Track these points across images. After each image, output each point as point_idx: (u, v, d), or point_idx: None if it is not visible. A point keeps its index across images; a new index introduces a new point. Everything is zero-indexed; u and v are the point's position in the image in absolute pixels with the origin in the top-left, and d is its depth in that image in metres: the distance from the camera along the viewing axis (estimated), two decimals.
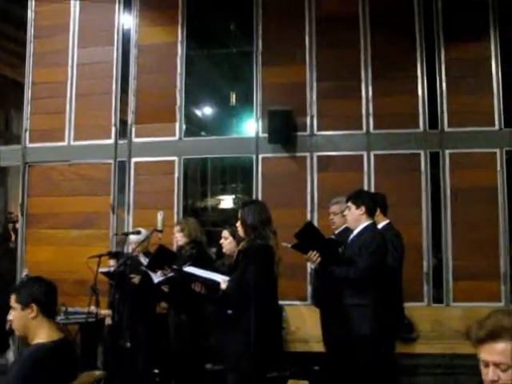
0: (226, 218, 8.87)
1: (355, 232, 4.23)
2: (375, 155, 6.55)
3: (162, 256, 4.77)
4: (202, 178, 8.83)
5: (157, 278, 4.80)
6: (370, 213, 4.20)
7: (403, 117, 6.48)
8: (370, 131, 6.60)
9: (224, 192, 9.37)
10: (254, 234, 3.77)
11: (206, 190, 9.06)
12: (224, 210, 9.30)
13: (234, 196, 9.44)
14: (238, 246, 4.05)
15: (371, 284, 3.93)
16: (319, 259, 3.99)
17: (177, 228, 5.35)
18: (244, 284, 3.57)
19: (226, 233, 4.91)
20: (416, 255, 6.22)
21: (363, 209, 4.18)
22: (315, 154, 6.66)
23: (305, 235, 4.02)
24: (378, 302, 3.94)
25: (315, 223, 6.06)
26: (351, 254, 4.08)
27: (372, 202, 4.22)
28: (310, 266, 5.60)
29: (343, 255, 4.12)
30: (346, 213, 4.30)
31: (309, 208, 6.53)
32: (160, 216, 4.79)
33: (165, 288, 4.95)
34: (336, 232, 5.14)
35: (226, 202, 9.38)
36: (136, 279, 5.18)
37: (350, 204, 4.26)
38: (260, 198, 6.50)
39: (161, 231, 4.79)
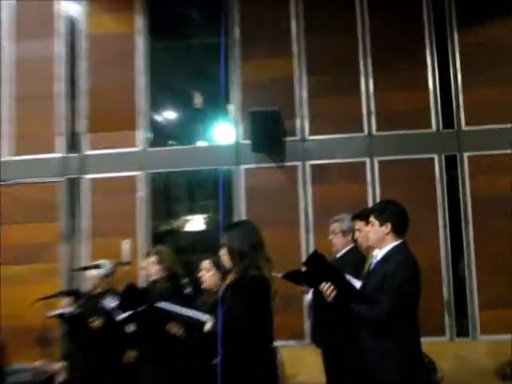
0: (198, 243, 8.58)
1: (379, 256, 3.99)
2: (380, 162, 6.46)
3: (133, 297, 4.67)
4: (167, 195, 8.79)
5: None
6: (398, 231, 3.97)
7: (412, 115, 6.39)
8: (373, 133, 6.51)
9: (195, 211, 9.32)
10: (244, 264, 3.63)
11: (173, 209, 9.11)
12: (195, 234, 9.17)
13: (206, 216, 9.28)
14: (223, 279, 3.95)
15: (398, 324, 3.75)
16: (334, 293, 3.78)
17: (153, 260, 5.19)
18: (235, 325, 3.46)
19: (206, 263, 4.73)
20: (434, 280, 6.11)
21: (389, 226, 3.95)
22: (308, 163, 6.57)
23: (313, 265, 3.86)
24: (405, 345, 3.78)
25: (311, 245, 6.10)
26: (373, 285, 3.86)
27: (401, 218, 4.00)
28: (306, 298, 5.41)
29: (365, 287, 3.93)
30: (368, 229, 4.09)
31: (302, 228, 6.45)
32: (126, 245, 5.13)
33: (128, 328, 4.79)
34: (337, 256, 5.02)
35: (197, 223, 9.27)
36: (97, 322, 5.02)
37: (372, 219, 4.04)
38: (243, 217, 6.40)
39: (128, 264, 5.00)
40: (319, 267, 3.83)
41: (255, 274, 3.59)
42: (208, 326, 3.66)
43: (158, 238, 7.47)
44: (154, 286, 5.15)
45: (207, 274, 4.69)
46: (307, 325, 6.06)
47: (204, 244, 7.85)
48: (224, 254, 3.77)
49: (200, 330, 3.69)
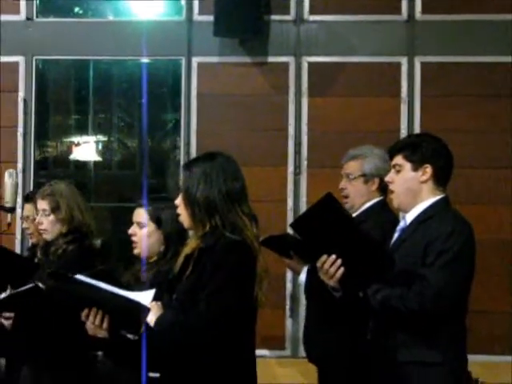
0: (121, 182, 7.71)
1: (412, 216, 3.42)
2: (424, 64, 5.39)
3: (6, 266, 4.03)
4: (65, 100, 7.48)
5: None
6: (441, 179, 3.47)
7: None
8: (416, 16, 5.42)
9: (110, 131, 7.92)
10: (215, 221, 2.90)
11: (72, 124, 7.62)
12: (111, 166, 8.06)
13: (126, 140, 8.04)
14: (167, 241, 3.63)
15: (451, 321, 3.21)
16: (341, 270, 3.16)
17: (42, 204, 4.33)
18: (206, 317, 2.69)
19: (141, 214, 3.94)
20: (499, 261, 5.11)
21: (428, 171, 3.39)
22: (305, 60, 5.54)
23: (320, 221, 3.13)
24: (455, 360, 3.16)
25: (303, 194, 5.38)
26: (405, 264, 3.26)
27: (445, 159, 3.44)
28: (299, 281, 4.40)
29: (391, 264, 3.30)
30: (389, 178, 3.50)
31: (290, 166, 5.51)
32: (9, 178, 4.41)
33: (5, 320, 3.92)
34: (353, 216, 4.10)
35: (111, 149, 8.04)
36: None
37: (400, 160, 3.46)
38: (194, 146, 5.48)
39: (11, 210, 4.50)
40: (330, 225, 3.18)
41: (234, 238, 2.87)
42: (152, 317, 2.87)
43: (48, 170, 6.79)
44: (47, 250, 4.30)
45: (141, 233, 3.93)
46: (292, 326, 5.37)
47: (129, 184, 7.11)
48: (180, 205, 3.08)
49: (137, 323, 2.87)
